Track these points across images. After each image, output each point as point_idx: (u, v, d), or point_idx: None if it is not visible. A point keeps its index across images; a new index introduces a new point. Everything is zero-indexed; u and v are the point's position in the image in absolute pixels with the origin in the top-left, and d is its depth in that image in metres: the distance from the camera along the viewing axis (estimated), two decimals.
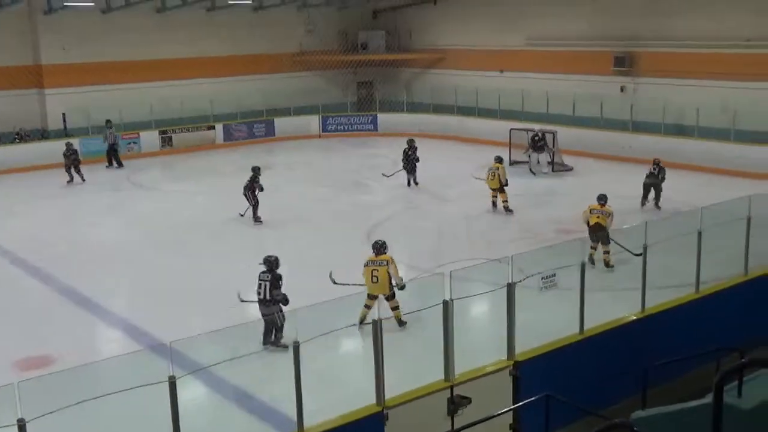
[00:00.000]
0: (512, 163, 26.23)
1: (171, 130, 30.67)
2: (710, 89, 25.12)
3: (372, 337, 8.50)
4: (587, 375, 10.10)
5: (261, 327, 11.37)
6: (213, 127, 31.78)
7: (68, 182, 25.22)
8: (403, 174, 23.56)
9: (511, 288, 9.37)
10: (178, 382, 7.14)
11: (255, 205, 19.74)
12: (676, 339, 10.94)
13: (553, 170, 25.14)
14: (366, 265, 12.44)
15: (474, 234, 18.91)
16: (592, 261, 14.75)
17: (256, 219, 19.71)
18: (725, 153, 23.50)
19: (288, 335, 7.83)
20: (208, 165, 28.47)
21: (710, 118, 24.53)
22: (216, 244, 18.25)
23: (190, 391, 9.34)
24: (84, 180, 25.41)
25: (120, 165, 27.99)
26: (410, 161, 23.52)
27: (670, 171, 22.53)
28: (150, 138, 30.22)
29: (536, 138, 25.30)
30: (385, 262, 12.26)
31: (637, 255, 11.48)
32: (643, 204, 19.67)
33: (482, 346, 11.04)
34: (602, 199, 15.53)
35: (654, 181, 19.72)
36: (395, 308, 12.21)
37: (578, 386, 9.60)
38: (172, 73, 31.24)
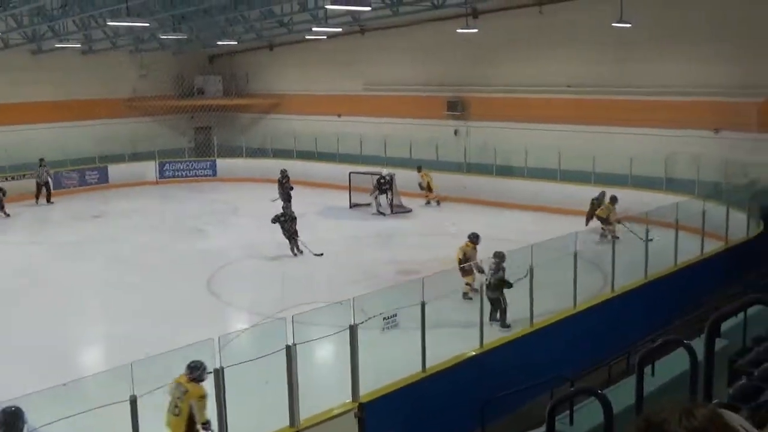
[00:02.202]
0: (352, 206, 26.58)
1: None
2: (537, 132, 26.48)
3: (214, 387, 8.31)
4: (430, 412, 10.26)
5: (92, 380, 10.85)
6: None
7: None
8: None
9: (353, 330, 9.43)
10: None
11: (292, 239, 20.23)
12: (514, 372, 11.32)
13: (392, 212, 25.61)
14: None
15: (315, 277, 18.91)
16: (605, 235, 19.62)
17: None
18: (552, 192, 24.77)
19: (125, 389, 7.52)
20: (36, 214, 27.08)
21: (537, 160, 25.82)
22: (46, 298, 17.25)
23: None
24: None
25: (49, 201, 28.34)
26: (285, 190, 24.60)
27: (503, 210, 23.55)
28: None
29: (381, 181, 25.77)
30: (461, 250, 16.10)
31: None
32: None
33: (327, 389, 11.02)
34: (613, 200, 20.95)
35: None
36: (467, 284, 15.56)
37: (422, 424, 9.74)
38: None
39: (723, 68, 22.78)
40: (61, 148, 30.39)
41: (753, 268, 17.08)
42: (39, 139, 30.21)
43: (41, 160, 28.44)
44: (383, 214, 25.46)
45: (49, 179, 28.75)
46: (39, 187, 28.40)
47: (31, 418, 7.87)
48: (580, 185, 24.34)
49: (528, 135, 26.58)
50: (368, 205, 26.04)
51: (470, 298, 15.25)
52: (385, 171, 26.41)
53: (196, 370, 8.80)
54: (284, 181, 25.48)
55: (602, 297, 14.44)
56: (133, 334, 14.25)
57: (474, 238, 16.40)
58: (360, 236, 22.75)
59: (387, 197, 25.77)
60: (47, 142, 30.34)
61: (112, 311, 16.52)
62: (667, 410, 1.85)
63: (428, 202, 27.04)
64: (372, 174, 26.45)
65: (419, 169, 27.07)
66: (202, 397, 8.75)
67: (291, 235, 20.08)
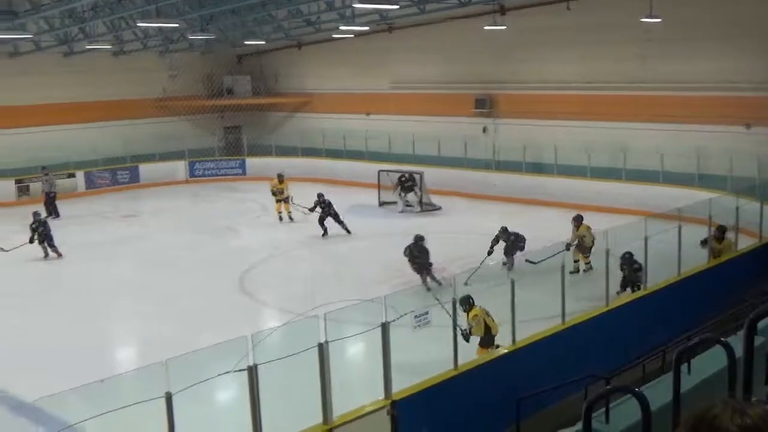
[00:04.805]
0: (381, 203, 26.61)
1: (28, 178, 29.35)
2: (565, 128, 26.34)
3: (248, 384, 8.35)
4: (463, 410, 10.24)
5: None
6: (73, 175, 30.63)
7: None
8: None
9: (385, 327, 9.44)
10: None
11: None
12: (546, 369, 11.27)
13: (422, 210, 25.59)
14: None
15: (346, 276, 18.96)
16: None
17: None
18: (582, 189, 24.60)
19: (159, 386, 7.60)
20: (69, 214, 27.29)
21: (567, 156, 25.67)
22: (78, 299, 17.40)
23: None
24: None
25: (57, 215, 25.93)
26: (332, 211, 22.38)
27: (533, 208, 23.35)
28: (5, 187, 28.82)
29: (403, 179, 25.78)
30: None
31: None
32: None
33: (359, 386, 11.05)
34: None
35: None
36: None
37: (455, 422, 9.73)
38: (28, 120, 29.92)
39: (752, 63, 22.54)
40: (92, 148, 30.75)
41: None
42: (70, 139, 30.59)
43: (43, 167, 27.49)
44: (413, 211, 25.43)
45: (54, 189, 26.76)
46: (48, 197, 26.41)
47: (67, 415, 7.97)
48: (610, 182, 24.16)
49: (557, 132, 26.45)
50: (395, 203, 26.08)
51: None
52: (405, 168, 26.44)
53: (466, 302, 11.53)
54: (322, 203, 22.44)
55: (635, 294, 14.33)
56: (166, 333, 14.39)
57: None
58: (388, 234, 22.73)
59: (416, 194, 25.76)
60: (78, 141, 30.74)
61: (145, 311, 16.67)
62: (719, 407, 1.85)
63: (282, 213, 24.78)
64: (400, 173, 26.47)
65: (282, 179, 24.69)
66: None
67: (423, 267, 17.02)
